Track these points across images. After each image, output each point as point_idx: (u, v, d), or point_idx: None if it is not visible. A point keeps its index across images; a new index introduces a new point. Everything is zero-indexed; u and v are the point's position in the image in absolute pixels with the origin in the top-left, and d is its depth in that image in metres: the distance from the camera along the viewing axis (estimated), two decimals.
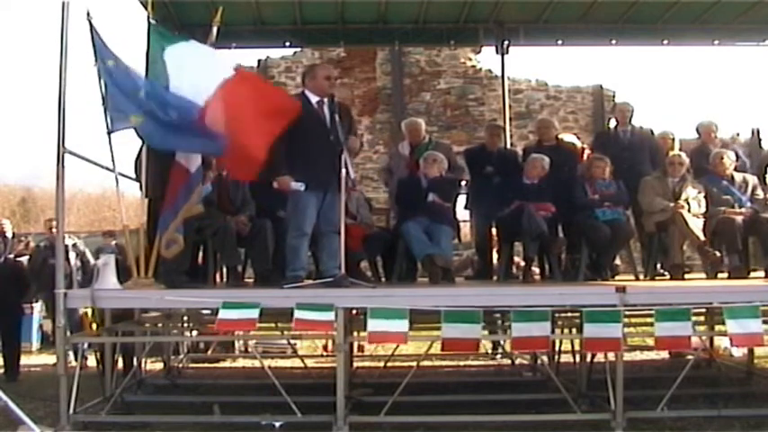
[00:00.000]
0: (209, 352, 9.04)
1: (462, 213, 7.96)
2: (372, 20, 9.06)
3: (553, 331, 5.57)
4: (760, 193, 6.91)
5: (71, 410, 5.15)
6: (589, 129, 14.10)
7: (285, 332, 7.40)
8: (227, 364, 8.81)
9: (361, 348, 8.65)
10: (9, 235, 8.72)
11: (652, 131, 7.95)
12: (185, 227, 5.69)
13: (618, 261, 7.54)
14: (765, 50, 9.70)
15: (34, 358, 9.36)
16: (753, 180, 6.98)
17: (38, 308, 10.12)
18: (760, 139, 9.83)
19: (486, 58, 14.67)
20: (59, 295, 5.17)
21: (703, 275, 6.66)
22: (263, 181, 5.87)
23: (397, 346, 7.87)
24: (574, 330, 6.00)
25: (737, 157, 7.32)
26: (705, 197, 6.80)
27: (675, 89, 45.25)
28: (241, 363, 8.83)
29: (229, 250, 6.30)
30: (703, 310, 6.22)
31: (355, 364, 7.65)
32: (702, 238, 6.49)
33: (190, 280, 6.00)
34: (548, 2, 8.49)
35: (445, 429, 5.41)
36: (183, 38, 6.10)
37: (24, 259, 8.63)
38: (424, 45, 13.16)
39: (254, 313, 4.96)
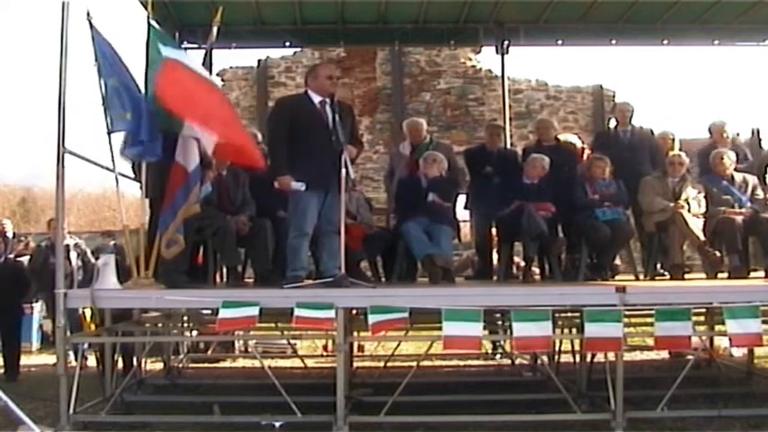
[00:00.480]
0: (209, 352, 9.04)
1: (462, 213, 7.96)
2: (372, 20, 9.06)
3: (553, 331, 5.57)
4: (760, 193, 6.91)
5: (71, 410, 5.15)
6: (589, 129, 14.10)
7: (285, 332, 7.40)
8: (227, 364, 8.80)
9: (361, 348, 8.66)
10: (9, 235, 8.72)
11: (652, 131, 7.95)
12: (185, 227, 5.70)
13: (618, 261, 7.54)
14: (765, 50, 9.71)
15: (34, 358, 9.36)
16: (753, 180, 6.98)
17: (38, 308, 10.11)
18: (760, 139, 9.81)
19: (486, 58, 14.70)
20: (59, 295, 5.17)
21: (703, 275, 6.66)
22: (264, 180, 5.88)
23: (397, 346, 7.89)
24: (574, 330, 6.00)
25: (745, 156, 7.33)
26: (705, 197, 6.80)
27: (675, 89, 45.31)
28: (241, 363, 8.82)
29: (229, 250, 6.30)
30: (703, 310, 6.22)
31: (355, 364, 7.65)
32: (702, 238, 6.49)
33: (190, 280, 5.99)
34: (548, 2, 8.49)
35: (445, 429, 5.41)
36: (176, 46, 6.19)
37: (24, 259, 8.64)
38: (424, 45, 13.19)
39: (254, 312, 4.96)
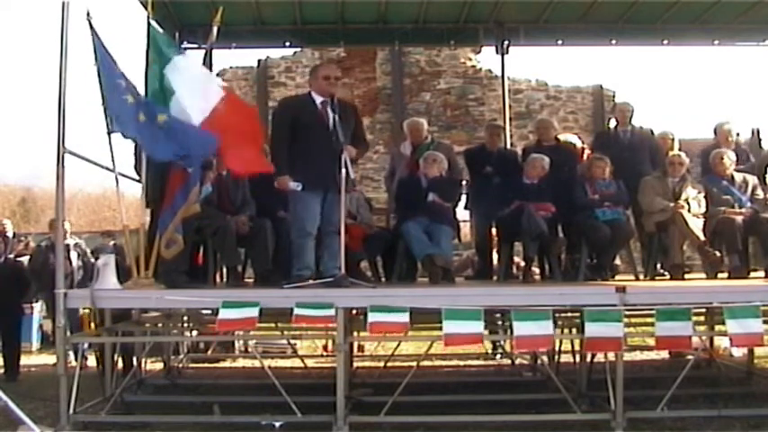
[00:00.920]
0: (209, 352, 9.04)
1: (462, 213, 7.96)
2: (372, 20, 9.06)
3: (554, 331, 5.56)
4: (760, 193, 6.91)
5: (71, 410, 5.15)
6: (589, 129, 14.10)
7: (285, 332, 7.41)
8: (227, 364, 8.80)
9: (361, 348, 8.66)
10: (9, 235, 8.72)
11: (652, 131, 7.95)
12: (185, 227, 5.70)
13: (618, 261, 7.54)
14: (765, 50, 9.70)
15: (34, 358, 9.35)
16: (753, 180, 6.97)
17: (38, 308, 10.11)
18: (760, 139, 9.81)
19: (486, 58, 14.70)
20: (59, 295, 5.17)
21: (703, 275, 6.66)
22: (265, 180, 5.88)
23: (397, 345, 7.89)
24: (574, 330, 6.00)
25: (747, 158, 7.32)
26: (705, 197, 6.80)
27: (675, 89, 45.32)
28: (241, 363, 8.82)
29: (229, 250, 6.30)
30: (703, 310, 6.22)
31: (355, 364, 7.65)
32: (702, 238, 6.49)
33: (190, 280, 6.00)
34: (548, 2, 8.49)
35: (445, 429, 5.41)
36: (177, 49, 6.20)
37: (24, 259, 8.64)
38: (424, 45, 13.19)
39: (254, 312, 4.96)
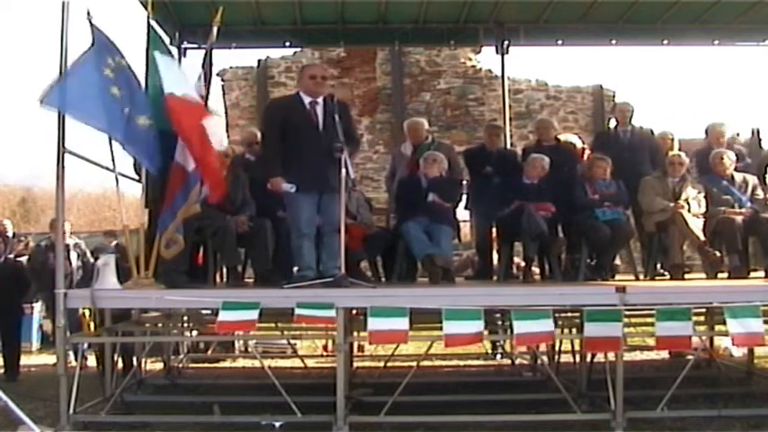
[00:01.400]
0: (209, 352, 9.04)
1: (462, 213, 7.96)
2: (372, 20, 9.05)
3: (554, 335, 5.57)
4: (760, 193, 6.91)
5: (71, 410, 5.15)
6: (589, 129, 14.08)
7: (285, 332, 7.41)
8: (227, 364, 8.80)
9: (361, 348, 8.65)
10: (9, 234, 8.72)
11: (652, 131, 7.95)
12: (185, 227, 5.70)
13: (618, 261, 7.54)
14: (765, 50, 9.70)
15: (34, 358, 9.35)
16: (753, 180, 6.98)
17: (38, 308, 10.11)
18: (760, 139, 9.82)
19: (486, 58, 14.68)
20: (59, 295, 5.17)
21: (703, 275, 6.66)
22: (264, 181, 5.88)
23: (397, 346, 7.88)
24: (574, 330, 6.00)
25: (741, 157, 7.32)
26: (705, 197, 6.80)
27: (675, 89, 45.34)
28: (241, 363, 8.83)
29: (229, 250, 6.30)
30: (703, 310, 6.22)
31: (355, 364, 7.65)
32: (702, 238, 6.49)
33: (190, 280, 6.00)
34: (548, 2, 8.49)
35: (445, 429, 5.41)
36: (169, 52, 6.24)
37: (24, 259, 8.64)
38: (424, 45, 13.17)
39: (254, 314, 4.95)
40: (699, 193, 6.81)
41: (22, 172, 33.80)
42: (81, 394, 5.34)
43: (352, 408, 5.50)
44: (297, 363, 8.28)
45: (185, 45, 8.76)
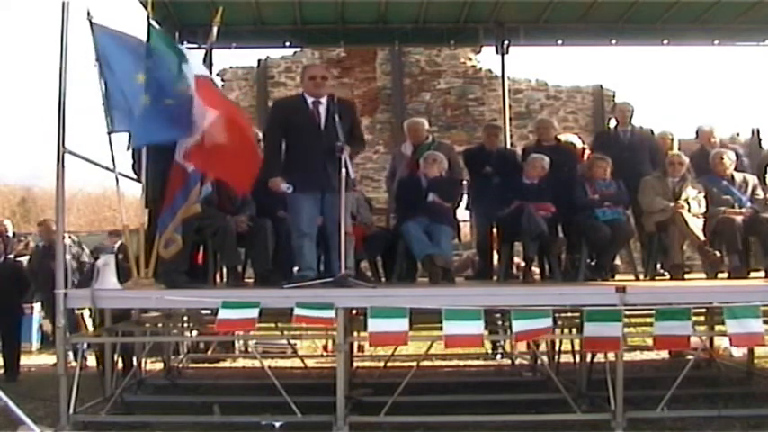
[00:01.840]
0: (209, 352, 9.04)
1: (462, 213, 7.96)
2: (372, 20, 9.06)
3: (553, 331, 5.57)
4: (760, 193, 6.91)
5: (71, 410, 5.15)
6: (589, 129, 14.09)
7: (285, 332, 7.40)
8: (227, 364, 8.80)
9: (361, 348, 8.66)
10: (10, 234, 8.71)
11: (652, 131, 7.94)
12: (185, 227, 5.70)
13: (618, 261, 7.54)
14: (765, 50, 9.71)
15: (34, 358, 9.35)
16: (753, 180, 6.98)
17: (38, 308, 10.10)
18: (760, 139, 9.84)
19: (486, 58, 14.69)
20: (59, 295, 5.17)
21: (703, 275, 6.66)
22: (264, 181, 5.89)
23: (397, 346, 7.89)
24: (574, 330, 6.00)
25: (738, 157, 7.32)
26: (705, 197, 6.80)
27: (675, 89, 45.34)
28: (241, 363, 8.83)
29: (229, 250, 6.29)
30: (703, 310, 6.22)
31: (355, 364, 7.65)
32: (702, 238, 6.49)
33: (190, 280, 6.00)
34: (548, 2, 8.49)
35: (445, 429, 5.41)
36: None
37: (24, 259, 8.64)
38: (424, 45, 13.18)
39: (254, 313, 4.95)
40: (699, 193, 6.81)
41: (22, 172, 33.82)
42: (81, 394, 5.34)
43: (352, 408, 5.50)
44: (297, 363, 8.27)
45: (185, 45, 8.74)
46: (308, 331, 6.56)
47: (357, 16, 8.95)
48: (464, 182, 7.80)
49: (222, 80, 14.47)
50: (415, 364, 6.27)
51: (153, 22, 5.91)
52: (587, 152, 7.85)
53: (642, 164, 7.44)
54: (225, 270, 6.64)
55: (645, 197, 6.94)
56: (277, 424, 5.15)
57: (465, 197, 7.78)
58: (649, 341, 5.29)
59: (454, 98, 14.77)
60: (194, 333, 7.83)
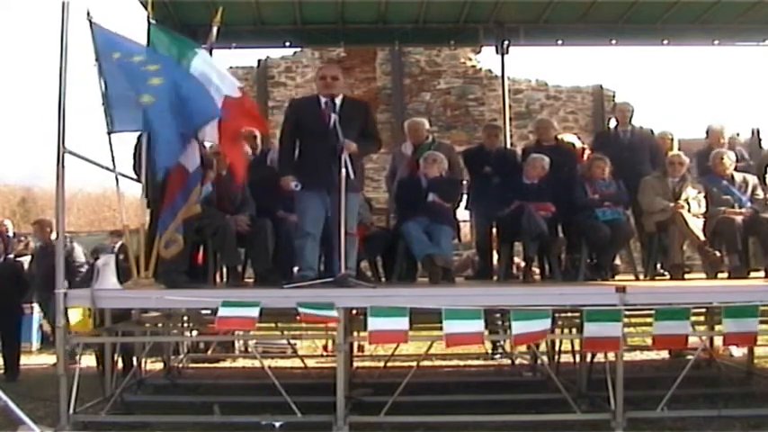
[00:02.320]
0: (209, 352, 9.04)
1: (462, 213, 7.96)
2: (372, 20, 9.05)
3: (553, 331, 5.57)
4: (760, 193, 6.91)
5: (71, 410, 5.15)
6: (589, 129, 14.10)
7: (285, 332, 7.40)
8: (227, 364, 8.80)
9: (361, 348, 8.66)
10: (10, 234, 8.71)
11: (652, 131, 7.94)
12: (185, 227, 5.70)
13: (618, 261, 7.54)
14: (765, 50, 9.71)
15: (34, 358, 9.35)
16: (753, 180, 6.98)
17: (38, 308, 10.10)
18: (760, 139, 9.82)
19: (486, 58, 14.70)
20: (59, 295, 5.16)
21: (703, 275, 6.66)
22: (265, 181, 5.90)
23: (397, 346, 7.89)
24: (574, 330, 6.00)
25: (741, 157, 7.32)
26: (705, 197, 6.80)
27: (675, 89, 45.35)
28: (241, 363, 8.82)
29: (229, 250, 6.30)
30: (703, 310, 6.22)
31: (355, 364, 7.65)
32: (702, 238, 6.49)
33: (190, 280, 6.00)
34: (548, 2, 8.49)
35: (445, 429, 5.41)
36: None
37: (24, 259, 8.64)
38: (424, 45, 13.18)
39: (254, 312, 4.95)
40: (699, 193, 6.81)
41: (22, 172, 33.78)
42: (81, 394, 5.34)
43: (352, 408, 5.50)
44: (297, 363, 8.27)
45: None
46: (308, 331, 6.57)
47: (357, 16, 8.95)
48: (464, 182, 7.79)
49: None
50: (415, 364, 6.27)
51: (153, 22, 5.92)
52: (587, 152, 7.85)
53: (642, 164, 7.44)
54: (225, 270, 6.64)
55: (645, 197, 6.94)
56: (277, 424, 5.15)
57: (465, 197, 7.77)
58: (649, 341, 5.29)
59: (454, 98, 14.78)
60: (194, 333, 7.84)
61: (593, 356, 5.92)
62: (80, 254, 8.53)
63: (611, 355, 5.26)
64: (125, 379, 6.43)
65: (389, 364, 7.79)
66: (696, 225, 6.53)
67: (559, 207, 6.82)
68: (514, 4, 8.58)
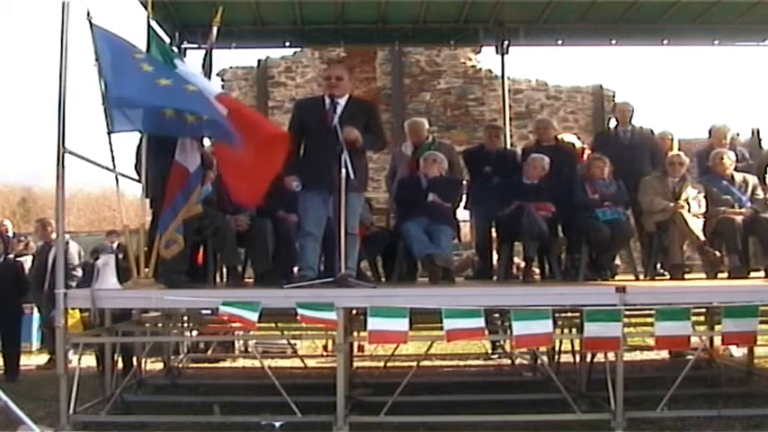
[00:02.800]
0: (209, 352, 9.03)
1: (462, 213, 7.96)
2: (372, 20, 9.06)
3: (553, 331, 5.56)
4: (760, 193, 6.91)
5: (71, 410, 5.15)
6: (589, 129, 14.10)
7: (285, 332, 7.40)
8: (227, 364, 8.80)
9: (361, 348, 8.66)
10: (10, 234, 8.71)
11: (652, 131, 7.94)
12: (185, 227, 5.70)
13: (618, 261, 7.54)
14: (765, 50, 9.70)
15: (34, 358, 9.35)
16: (753, 180, 6.98)
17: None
18: (760, 139, 9.84)
19: (486, 58, 14.70)
20: (59, 295, 5.16)
21: (703, 275, 6.66)
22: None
23: (397, 345, 7.89)
24: (574, 330, 6.00)
25: (741, 157, 7.32)
26: (705, 197, 6.80)
27: (675, 89, 45.37)
28: (241, 363, 8.82)
29: (229, 250, 6.30)
30: (703, 310, 6.21)
31: (355, 364, 7.64)
32: (702, 238, 6.49)
33: (190, 280, 6.00)
34: (548, 2, 8.49)
35: (445, 429, 5.41)
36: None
37: (23, 259, 8.63)
38: (424, 45, 13.18)
39: (254, 315, 4.94)
40: (699, 193, 6.81)
41: (22, 172, 33.82)
42: (81, 394, 5.34)
43: (352, 408, 5.50)
44: (297, 363, 8.27)
45: (185, 45, 8.77)
46: (308, 331, 6.56)
47: (357, 16, 8.95)
48: (464, 182, 7.79)
49: (222, 80, 14.48)
50: (415, 364, 6.27)
51: (153, 23, 5.92)
52: (587, 152, 7.85)
53: (642, 164, 7.44)
54: (225, 270, 6.64)
55: (645, 197, 6.94)
56: (277, 424, 5.15)
57: (465, 197, 7.77)
58: (649, 341, 5.29)
59: (454, 98, 14.78)
60: (194, 333, 7.83)
61: (593, 356, 5.92)
62: (74, 256, 8.37)
63: (611, 355, 5.26)
64: (125, 379, 6.43)
65: (389, 364, 7.79)
66: (696, 225, 6.53)
67: (559, 207, 6.82)
68: (514, 4, 8.58)
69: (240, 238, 6.30)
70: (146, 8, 6.22)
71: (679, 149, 7.48)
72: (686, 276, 6.63)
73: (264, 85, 14.63)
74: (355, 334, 5.77)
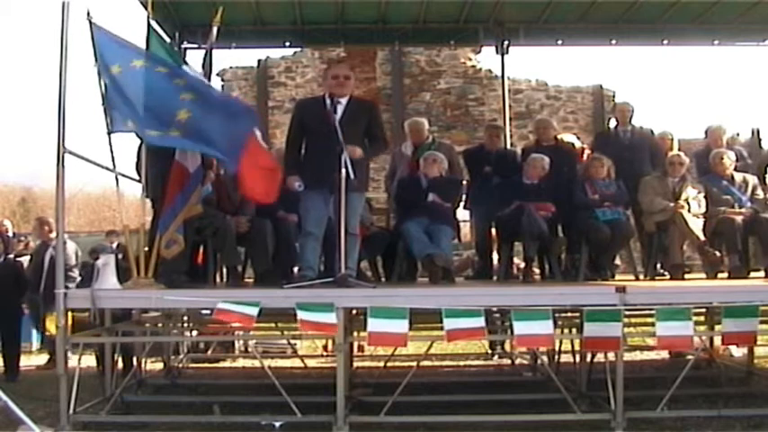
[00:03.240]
0: (209, 352, 9.04)
1: (462, 213, 7.96)
2: (372, 20, 9.06)
3: (554, 330, 5.56)
4: (760, 193, 6.91)
5: (71, 410, 5.15)
6: (589, 129, 14.10)
7: (285, 332, 7.40)
8: (227, 364, 8.80)
9: (361, 348, 8.66)
10: (10, 234, 8.70)
11: (652, 131, 7.95)
12: (185, 227, 5.70)
13: (618, 261, 7.53)
14: (765, 50, 9.70)
15: (34, 358, 9.35)
16: (753, 180, 6.98)
17: None
18: (760, 139, 9.82)
19: (486, 58, 14.71)
20: (59, 295, 5.16)
21: (703, 275, 6.66)
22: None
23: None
24: (574, 330, 6.00)
25: (741, 157, 7.32)
26: (705, 197, 6.80)
27: (675, 89, 45.38)
28: (241, 363, 8.83)
29: (229, 250, 6.30)
30: (703, 310, 6.21)
31: (355, 364, 7.64)
32: (702, 238, 6.49)
33: (190, 280, 6.00)
34: (548, 2, 8.49)
35: (445, 429, 5.41)
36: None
37: (24, 259, 8.63)
38: (424, 45, 13.18)
39: (254, 311, 4.93)
40: (699, 193, 6.81)
41: (22, 172, 33.81)
42: (81, 394, 5.34)
43: (352, 408, 5.50)
44: (297, 363, 8.27)
45: (185, 45, 8.76)
46: (308, 331, 6.55)
47: (357, 16, 8.95)
48: (464, 182, 7.79)
49: (222, 80, 14.49)
50: (415, 364, 6.27)
51: (153, 23, 5.92)
52: (587, 152, 7.85)
53: (642, 164, 7.44)
54: (225, 270, 6.64)
55: (645, 197, 6.94)
56: (277, 424, 5.15)
57: (465, 197, 7.77)
58: (649, 341, 5.30)
59: (454, 98, 14.78)
60: (194, 333, 7.83)
61: (593, 356, 5.92)
62: (71, 256, 8.30)
63: (611, 355, 5.26)
64: (125, 379, 6.43)
65: (389, 364, 7.79)
66: (696, 225, 6.53)
67: (559, 207, 6.82)
68: (514, 4, 8.58)
69: (240, 238, 6.30)
70: (146, 8, 6.22)
71: (679, 149, 7.49)
72: (686, 276, 6.63)
73: (264, 85, 14.63)
74: (355, 334, 5.76)
